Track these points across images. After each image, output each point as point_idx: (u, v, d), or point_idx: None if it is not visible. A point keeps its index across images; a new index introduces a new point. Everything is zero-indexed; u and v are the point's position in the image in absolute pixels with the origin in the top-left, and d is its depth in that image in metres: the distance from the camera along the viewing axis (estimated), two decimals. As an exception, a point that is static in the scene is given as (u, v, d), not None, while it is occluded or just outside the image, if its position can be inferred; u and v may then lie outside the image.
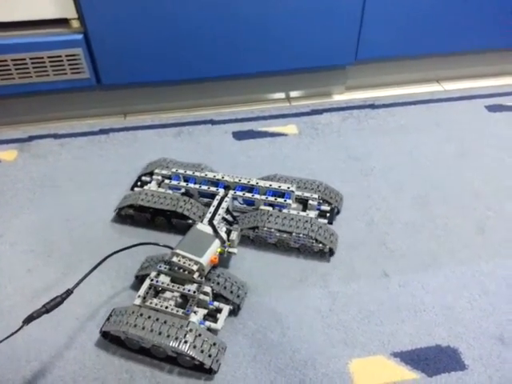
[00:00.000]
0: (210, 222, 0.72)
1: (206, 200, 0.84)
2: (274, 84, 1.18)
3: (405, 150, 1.01)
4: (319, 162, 0.99)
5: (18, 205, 0.89)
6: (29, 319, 0.57)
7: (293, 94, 1.22)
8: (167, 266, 0.67)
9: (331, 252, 0.77)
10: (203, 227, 0.71)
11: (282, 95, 1.21)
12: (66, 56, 1.00)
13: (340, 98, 1.21)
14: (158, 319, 0.62)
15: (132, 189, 0.91)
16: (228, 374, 0.62)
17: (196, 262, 0.65)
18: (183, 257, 0.66)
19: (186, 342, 0.60)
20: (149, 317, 0.62)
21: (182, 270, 0.66)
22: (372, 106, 1.14)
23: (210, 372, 0.62)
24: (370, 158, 1.00)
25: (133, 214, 0.84)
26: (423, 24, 1.10)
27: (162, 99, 1.15)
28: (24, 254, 0.80)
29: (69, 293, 0.62)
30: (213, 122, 1.11)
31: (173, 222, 0.82)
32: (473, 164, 0.97)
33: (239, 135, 1.07)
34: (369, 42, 1.10)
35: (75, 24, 0.99)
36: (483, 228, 0.83)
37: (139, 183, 0.92)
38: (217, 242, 0.69)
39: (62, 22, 0.98)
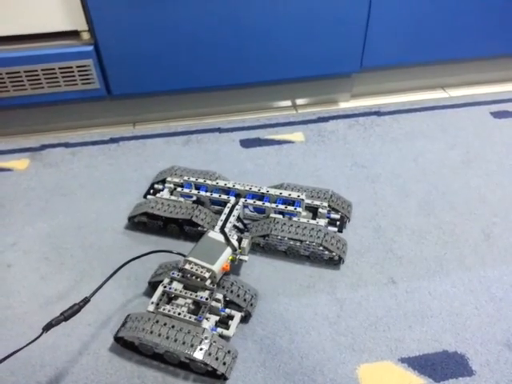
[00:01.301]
0: (222, 230, 0.74)
1: (217, 208, 0.86)
2: (280, 92, 1.20)
3: (411, 157, 1.02)
4: (326, 169, 1.00)
5: (30, 213, 0.91)
6: (48, 327, 0.59)
7: (299, 101, 1.23)
8: (180, 273, 0.69)
9: (341, 260, 0.78)
10: (215, 235, 0.72)
11: (288, 103, 1.23)
12: (77, 67, 1.03)
13: (346, 105, 1.23)
14: (173, 326, 0.63)
15: (145, 196, 0.92)
16: (238, 380, 0.64)
17: (208, 270, 0.66)
18: (196, 264, 0.67)
19: (201, 349, 0.61)
20: (164, 324, 0.63)
21: (194, 277, 0.67)
22: (378, 113, 1.16)
23: (222, 378, 0.63)
24: (376, 164, 1.01)
25: (146, 222, 0.85)
26: (428, 31, 1.12)
27: (171, 108, 1.18)
28: (37, 261, 0.82)
29: (86, 301, 0.63)
30: (220, 130, 1.12)
31: (185, 229, 0.84)
32: (478, 170, 0.98)
33: (246, 143, 1.08)
34: (374, 50, 1.12)
35: (85, 36, 1.01)
36: (489, 234, 0.83)
37: (152, 191, 0.93)
38: (228, 250, 0.70)
39: (73, 34, 1.01)
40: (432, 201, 0.91)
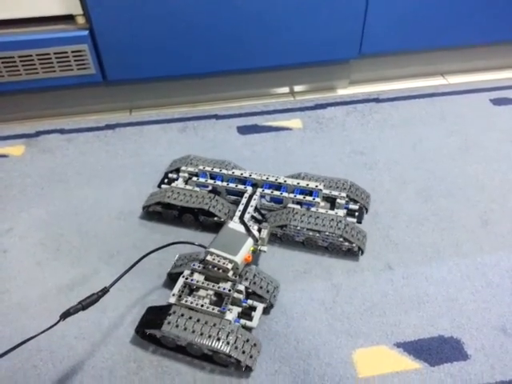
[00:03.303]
0: (242, 221, 0.73)
1: (233, 198, 0.84)
2: (278, 78, 1.19)
3: (409, 144, 1.02)
4: (323, 155, 1.00)
5: (26, 199, 0.91)
6: (65, 315, 0.58)
7: (297, 88, 1.22)
8: (201, 265, 0.68)
9: (360, 251, 0.77)
10: (235, 226, 0.71)
11: (286, 90, 1.22)
12: (72, 52, 1.01)
13: (344, 92, 1.22)
14: (198, 320, 0.62)
15: (159, 186, 0.91)
16: (234, 364, 0.64)
17: (231, 261, 0.66)
18: (217, 255, 0.66)
19: (228, 343, 0.60)
20: (190, 317, 0.62)
21: (216, 269, 0.66)
22: (376, 100, 1.15)
23: (247, 370, 0.63)
24: (374, 151, 1.00)
25: (160, 211, 0.84)
26: (427, 17, 1.10)
27: (167, 94, 1.16)
28: (33, 247, 0.81)
29: (105, 291, 0.62)
30: (217, 117, 1.11)
31: (200, 219, 0.83)
32: (477, 157, 0.97)
33: (243, 130, 1.08)
34: (373, 36, 1.10)
35: (80, 20, 1.00)
36: (487, 221, 0.83)
37: (166, 180, 0.91)
38: (250, 241, 0.69)
39: (68, 19, 0.99)
40: (430, 187, 0.90)
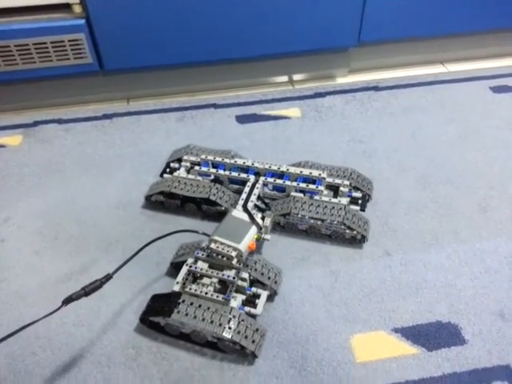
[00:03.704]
0: (245, 209, 0.72)
1: (235, 187, 0.84)
2: (277, 67, 1.18)
3: (408, 132, 1.01)
4: (322, 144, 0.99)
5: (24, 189, 0.91)
6: (68, 300, 0.58)
7: (296, 77, 1.21)
8: (204, 253, 0.68)
9: (364, 239, 0.77)
10: (239, 214, 0.71)
11: (285, 78, 1.21)
12: (69, 41, 1.01)
13: (343, 80, 1.21)
14: (200, 306, 0.62)
15: (161, 175, 0.90)
16: (232, 350, 0.64)
17: (235, 249, 0.65)
18: (221, 243, 0.66)
19: (230, 328, 0.60)
20: (191, 303, 0.62)
21: (220, 257, 0.66)
22: (375, 89, 1.14)
23: (251, 357, 0.63)
24: (373, 139, 0.99)
25: (163, 200, 0.84)
26: (426, 5, 1.09)
27: (165, 84, 1.16)
28: (31, 236, 0.81)
29: (108, 277, 0.62)
30: (216, 106, 1.11)
31: (203, 208, 0.82)
32: (476, 145, 0.97)
33: (242, 119, 1.07)
34: (372, 24, 1.09)
35: (77, 9, 0.99)
36: (486, 208, 0.83)
37: (168, 170, 0.91)
38: (254, 229, 0.69)
39: (64, 7, 0.98)
40: (429, 175, 0.90)
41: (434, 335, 0.64)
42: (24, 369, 0.63)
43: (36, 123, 1.08)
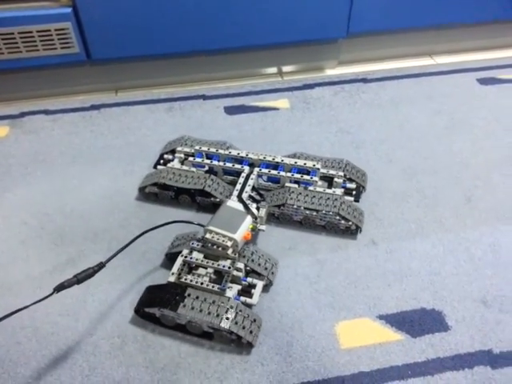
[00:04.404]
0: (240, 199, 0.72)
1: (230, 178, 0.84)
2: (266, 59, 1.18)
3: (396, 123, 1.02)
4: (310, 135, 0.99)
5: (10, 179, 0.90)
6: (59, 288, 0.57)
7: (285, 68, 1.21)
8: (200, 243, 0.67)
9: (358, 229, 0.77)
10: (233, 204, 0.71)
11: (274, 70, 1.21)
12: (55, 30, 1.00)
13: (332, 72, 1.21)
14: (197, 297, 0.62)
15: (155, 167, 0.89)
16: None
17: (230, 238, 0.65)
18: (217, 233, 0.66)
19: (227, 318, 0.60)
20: (189, 294, 0.62)
21: (215, 247, 0.66)
22: (364, 80, 1.14)
23: (248, 347, 0.62)
24: (361, 131, 1.00)
25: (157, 192, 0.83)
26: (415, -4, 1.10)
27: (154, 75, 1.15)
28: (17, 226, 0.81)
29: (101, 266, 0.61)
30: (204, 97, 1.11)
31: (197, 199, 0.82)
32: (462, 136, 0.97)
33: (231, 110, 1.07)
34: (360, 15, 1.10)
35: (64, -3, 0.98)
36: (470, 197, 0.84)
37: (162, 161, 0.90)
38: (249, 218, 0.69)
39: (51, -4, 0.98)
40: (415, 166, 0.91)
41: (418, 322, 0.65)
42: (9, 358, 0.63)
43: (23, 114, 1.06)
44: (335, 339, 0.63)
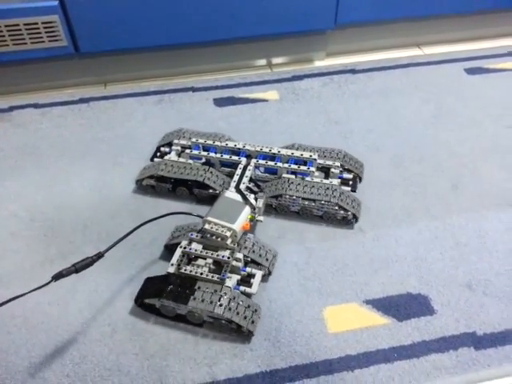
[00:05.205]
0: (238, 189, 0.73)
1: (227, 169, 0.84)
2: (255, 51, 1.18)
3: (384, 113, 1.02)
4: (299, 126, 1.00)
5: (-1, 172, 0.90)
6: (57, 276, 0.57)
7: (274, 60, 1.22)
8: (199, 234, 0.67)
9: (355, 219, 0.77)
10: (231, 195, 0.71)
11: (263, 62, 1.21)
12: (43, 23, 0.99)
13: (321, 63, 1.22)
14: (199, 287, 0.62)
15: (152, 159, 0.89)
16: (207, 324, 0.65)
17: (229, 229, 0.66)
18: (215, 224, 0.66)
19: (230, 308, 0.60)
20: (191, 285, 0.63)
21: (214, 237, 0.66)
22: (352, 71, 1.15)
23: (248, 335, 0.63)
24: (349, 121, 1.01)
25: (154, 185, 0.83)
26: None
27: (143, 67, 1.15)
28: (6, 218, 0.81)
29: (99, 255, 0.61)
30: (194, 90, 1.11)
31: (194, 191, 0.82)
32: (450, 125, 0.98)
33: (220, 102, 1.07)
34: (348, 6, 1.10)
35: (50, -10, 0.97)
36: (457, 185, 0.85)
37: (158, 154, 0.90)
38: (247, 209, 0.69)
39: (37, -12, 0.97)
40: (402, 154, 0.92)
41: (404, 306, 0.66)
42: (-1, 347, 0.63)
43: (12, 108, 1.06)
44: (323, 324, 0.64)
